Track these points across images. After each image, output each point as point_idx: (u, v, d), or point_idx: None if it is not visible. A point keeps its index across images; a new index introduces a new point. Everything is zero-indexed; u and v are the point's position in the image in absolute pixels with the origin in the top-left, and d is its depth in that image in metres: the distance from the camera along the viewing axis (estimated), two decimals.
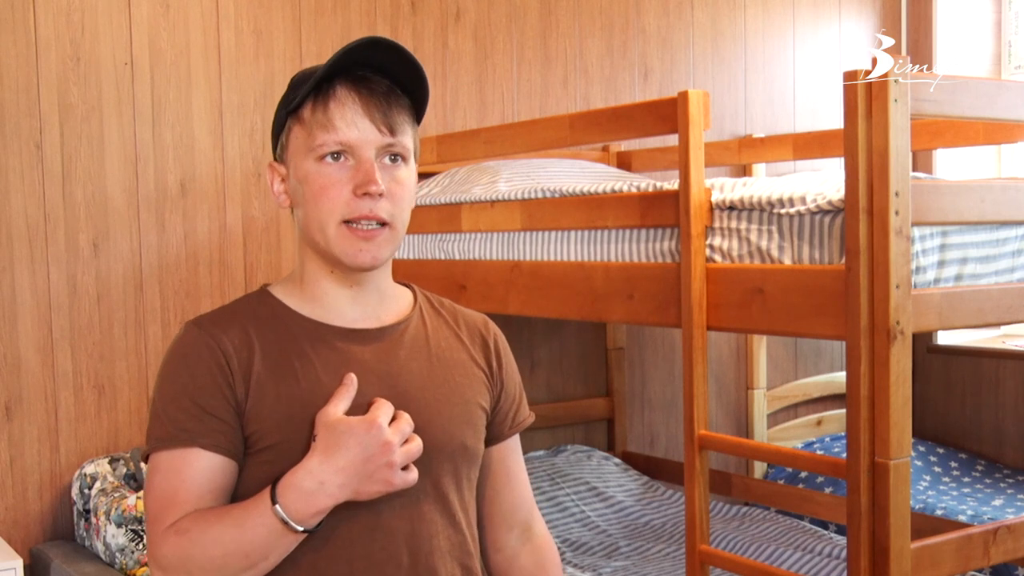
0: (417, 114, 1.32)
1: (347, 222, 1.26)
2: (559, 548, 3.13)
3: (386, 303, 1.36)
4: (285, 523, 1.18)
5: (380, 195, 1.25)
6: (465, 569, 1.35)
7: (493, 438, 1.43)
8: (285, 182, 1.33)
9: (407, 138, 1.30)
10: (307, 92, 1.26)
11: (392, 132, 1.27)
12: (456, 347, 1.39)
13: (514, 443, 1.47)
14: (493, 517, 1.46)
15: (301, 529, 1.19)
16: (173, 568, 1.21)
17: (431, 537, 1.30)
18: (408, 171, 1.31)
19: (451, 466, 1.32)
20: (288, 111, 1.29)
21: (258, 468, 1.26)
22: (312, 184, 1.27)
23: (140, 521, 2.68)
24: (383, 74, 1.28)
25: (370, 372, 1.29)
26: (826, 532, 3.30)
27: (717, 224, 2.32)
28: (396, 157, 1.29)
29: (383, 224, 1.27)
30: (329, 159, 1.26)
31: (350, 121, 1.25)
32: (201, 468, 1.23)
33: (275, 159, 1.35)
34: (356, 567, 1.26)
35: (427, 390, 1.32)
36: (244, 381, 1.26)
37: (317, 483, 1.18)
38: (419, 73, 1.29)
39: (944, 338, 4.38)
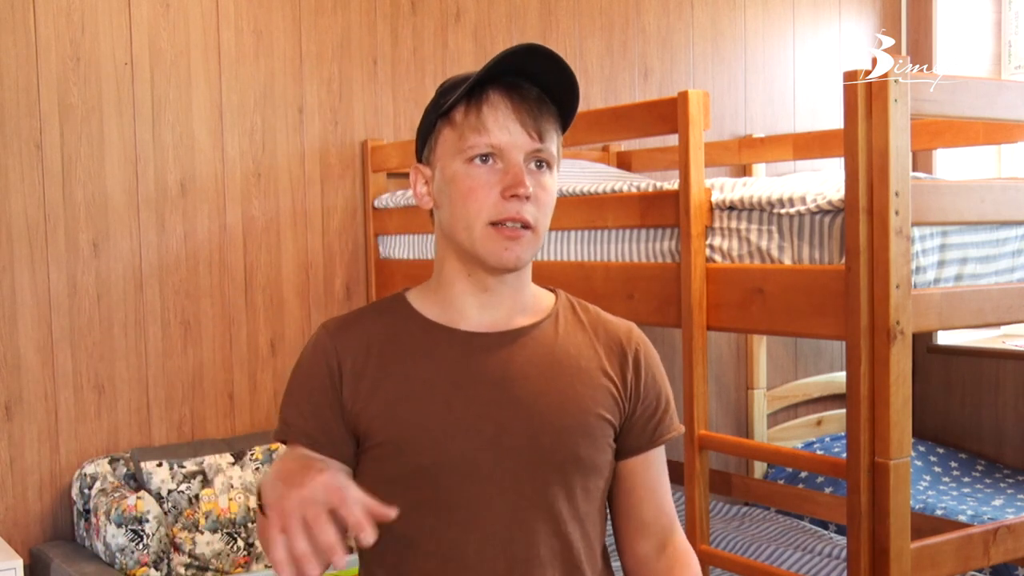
0: (564, 123, 1.34)
1: (493, 224, 1.28)
2: None
3: (519, 308, 1.36)
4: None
5: (527, 198, 1.27)
6: None
7: (631, 450, 1.39)
8: (429, 184, 1.35)
9: (553, 145, 1.32)
10: (461, 95, 1.28)
11: (541, 138, 1.29)
12: (587, 356, 1.37)
13: (655, 455, 1.42)
14: (629, 529, 1.43)
15: None
16: None
17: (531, 546, 1.29)
18: (552, 178, 1.33)
19: (560, 476, 1.31)
20: (439, 114, 1.32)
21: (371, 464, 1.31)
22: (460, 185, 1.29)
23: (140, 521, 2.68)
24: (533, 82, 1.31)
25: (485, 377, 1.30)
26: (826, 532, 3.30)
27: (717, 224, 2.32)
28: (542, 163, 1.31)
29: (527, 227, 1.29)
30: (478, 161, 1.28)
31: (502, 125, 1.27)
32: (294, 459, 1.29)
33: (419, 161, 1.37)
34: (447, 569, 1.27)
35: (541, 397, 1.31)
36: (355, 382, 1.31)
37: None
38: (571, 83, 1.30)
39: (944, 338, 4.37)
